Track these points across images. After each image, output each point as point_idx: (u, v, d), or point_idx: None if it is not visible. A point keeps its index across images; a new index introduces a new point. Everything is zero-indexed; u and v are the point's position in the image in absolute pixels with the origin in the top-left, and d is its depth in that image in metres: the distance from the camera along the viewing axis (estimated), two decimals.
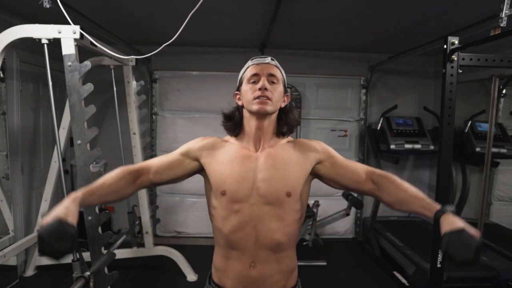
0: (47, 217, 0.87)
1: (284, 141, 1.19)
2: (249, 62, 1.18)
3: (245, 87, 1.14)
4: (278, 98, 1.13)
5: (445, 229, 0.91)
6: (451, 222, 0.92)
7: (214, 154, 1.16)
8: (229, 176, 1.10)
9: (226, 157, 1.14)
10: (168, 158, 1.18)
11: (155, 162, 1.18)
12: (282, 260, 1.13)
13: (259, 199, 1.09)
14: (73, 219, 0.89)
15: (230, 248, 1.12)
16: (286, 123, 1.18)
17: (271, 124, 1.15)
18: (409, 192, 1.07)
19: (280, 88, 1.14)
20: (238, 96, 1.19)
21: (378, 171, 1.15)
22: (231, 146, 1.17)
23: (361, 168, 1.18)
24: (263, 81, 1.10)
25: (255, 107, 1.09)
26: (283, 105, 1.17)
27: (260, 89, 1.09)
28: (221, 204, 1.12)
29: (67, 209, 0.91)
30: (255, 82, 1.11)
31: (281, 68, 1.18)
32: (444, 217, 0.95)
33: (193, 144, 1.19)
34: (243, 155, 1.14)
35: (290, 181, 1.11)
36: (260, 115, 1.11)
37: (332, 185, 1.20)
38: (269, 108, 1.10)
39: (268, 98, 1.09)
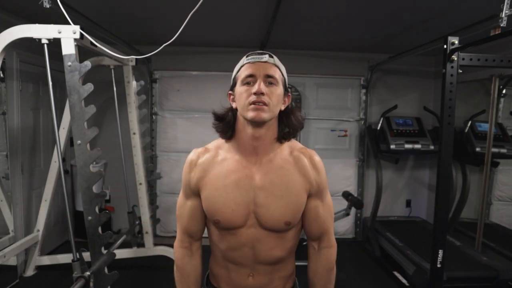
0: None
1: (286, 151, 1.07)
2: (244, 59, 1.03)
3: (239, 88, 1.00)
4: (276, 102, 0.99)
5: None
6: None
7: (208, 179, 1.05)
8: (223, 204, 1.02)
9: (220, 180, 1.04)
10: (187, 213, 1.11)
11: (187, 226, 1.12)
12: (282, 268, 1.11)
13: (256, 222, 1.03)
14: None
15: (228, 262, 1.09)
16: (288, 127, 1.05)
17: (269, 131, 1.02)
18: None
19: (279, 90, 1.00)
20: (232, 97, 1.05)
21: (328, 242, 1.12)
22: (225, 163, 1.05)
23: (323, 226, 1.11)
24: (259, 84, 0.96)
25: (250, 114, 0.96)
26: (283, 108, 1.04)
27: (255, 93, 0.95)
28: (216, 227, 1.08)
29: None
30: (250, 84, 0.98)
31: (281, 66, 1.04)
32: None
33: (189, 180, 1.08)
34: (238, 176, 1.03)
35: (289, 210, 1.03)
36: (256, 123, 0.98)
37: None
38: (266, 115, 0.96)
39: (265, 104, 0.96)
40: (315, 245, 1.14)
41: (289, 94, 1.07)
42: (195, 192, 1.08)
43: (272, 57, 1.03)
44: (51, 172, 2.87)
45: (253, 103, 0.96)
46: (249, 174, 1.03)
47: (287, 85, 1.07)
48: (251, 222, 1.03)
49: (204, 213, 1.10)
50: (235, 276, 1.09)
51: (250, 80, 0.98)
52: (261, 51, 1.03)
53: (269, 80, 0.98)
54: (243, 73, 1.00)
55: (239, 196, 1.02)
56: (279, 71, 1.02)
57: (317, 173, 1.07)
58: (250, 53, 1.04)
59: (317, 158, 1.09)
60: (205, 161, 1.07)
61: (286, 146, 1.08)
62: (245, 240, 1.04)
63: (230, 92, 1.06)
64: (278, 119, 1.06)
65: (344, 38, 3.41)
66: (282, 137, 1.06)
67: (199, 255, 1.18)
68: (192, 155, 1.10)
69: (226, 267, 1.10)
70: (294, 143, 1.12)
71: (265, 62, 1.00)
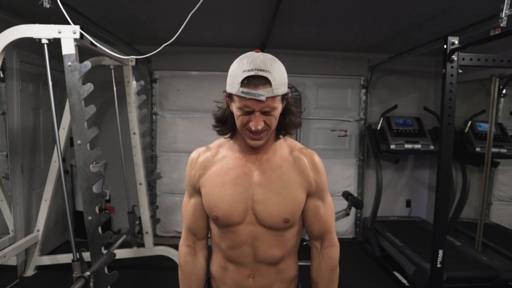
0: None
1: (285, 150, 1.08)
2: (239, 76, 0.91)
3: (235, 111, 0.97)
4: (274, 123, 0.99)
5: None
6: None
7: (208, 176, 1.07)
8: (221, 200, 1.03)
9: (219, 178, 1.05)
10: (191, 211, 1.13)
11: (190, 225, 1.15)
12: (283, 270, 1.10)
13: (255, 219, 1.03)
14: None
15: (228, 261, 1.09)
16: (284, 126, 1.05)
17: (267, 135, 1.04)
18: None
19: (277, 112, 0.97)
20: (228, 99, 1.01)
21: (330, 241, 1.13)
22: (224, 160, 1.07)
23: (325, 226, 1.11)
24: (257, 121, 0.94)
25: (248, 140, 0.99)
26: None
27: (253, 131, 0.96)
28: (216, 223, 1.08)
29: None
30: (246, 113, 0.95)
31: (279, 81, 0.93)
32: None
33: (191, 178, 1.11)
34: (236, 173, 1.04)
35: (288, 207, 1.02)
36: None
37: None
38: (263, 141, 1.00)
39: (263, 133, 0.98)
40: (318, 245, 1.14)
41: (289, 94, 1.01)
42: (196, 190, 1.11)
43: (270, 83, 0.90)
44: (51, 172, 2.87)
45: (251, 133, 0.97)
46: (248, 172, 1.05)
47: (286, 93, 0.99)
48: (250, 219, 1.04)
49: (206, 213, 1.11)
50: (235, 277, 1.08)
51: (246, 110, 0.94)
52: (257, 78, 0.90)
53: (266, 111, 0.94)
54: (239, 103, 0.93)
55: (237, 193, 1.03)
56: (278, 97, 0.94)
57: (316, 173, 1.07)
58: (246, 75, 0.89)
59: (316, 158, 1.09)
60: (206, 159, 1.10)
61: (286, 146, 1.10)
62: (245, 237, 1.05)
63: (225, 94, 1.01)
64: None
65: (344, 38, 3.41)
66: (280, 133, 1.07)
67: (204, 255, 1.18)
68: (193, 154, 1.13)
69: (226, 267, 1.10)
70: (294, 142, 1.12)
71: (263, 101, 0.91)
